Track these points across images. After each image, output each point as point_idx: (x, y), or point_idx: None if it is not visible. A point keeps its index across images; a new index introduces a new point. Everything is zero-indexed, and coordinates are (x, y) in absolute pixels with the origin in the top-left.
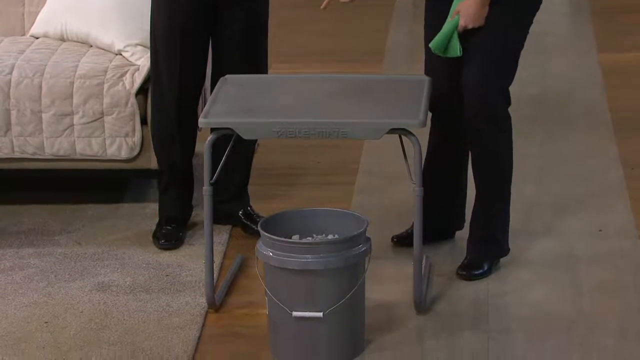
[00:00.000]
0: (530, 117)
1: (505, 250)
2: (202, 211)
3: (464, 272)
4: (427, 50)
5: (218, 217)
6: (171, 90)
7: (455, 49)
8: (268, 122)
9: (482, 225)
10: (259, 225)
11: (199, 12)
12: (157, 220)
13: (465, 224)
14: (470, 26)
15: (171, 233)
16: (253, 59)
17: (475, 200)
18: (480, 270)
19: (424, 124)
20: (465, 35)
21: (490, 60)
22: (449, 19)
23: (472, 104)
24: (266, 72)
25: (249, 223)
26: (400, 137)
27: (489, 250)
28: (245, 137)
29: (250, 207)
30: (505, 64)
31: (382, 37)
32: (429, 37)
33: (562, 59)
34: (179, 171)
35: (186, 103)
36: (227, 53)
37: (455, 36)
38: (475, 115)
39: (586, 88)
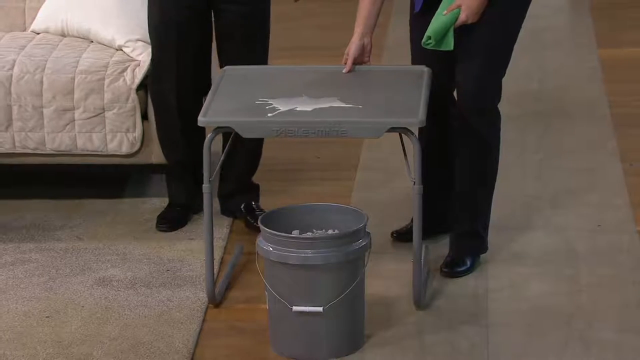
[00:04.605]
0: (529, 112)
1: (486, 246)
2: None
3: (447, 270)
4: (416, 57)
5: (223, 211)
6: (170, 86)
7: (450, 43)
8: (267, 121)
9: (466, 221)
10: (259, 221)
11: (193, 4)
12: (157, 214)
13: None
14: (470, 21)
15: (173, 217)
16: (252, 53)
17: (458, 195)
18: (464, 267)
19: (423, 123)
20: (461, 31)
21: (486, 56)
22: (443, 12)
23: (466, 99)
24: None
25: (249, 217)
26: (400, 134)
27: (472, 246)
28: (245, 136)
29: (255, 201)
30: (500, 59)
31: (381, 33)
32: (416, 53)
33: (562, 53)
34: (185, 165)
35: (187, 99)
36: (227, 46)
37: (452, 30)
38: (467, 109)
39: (585, 83)
